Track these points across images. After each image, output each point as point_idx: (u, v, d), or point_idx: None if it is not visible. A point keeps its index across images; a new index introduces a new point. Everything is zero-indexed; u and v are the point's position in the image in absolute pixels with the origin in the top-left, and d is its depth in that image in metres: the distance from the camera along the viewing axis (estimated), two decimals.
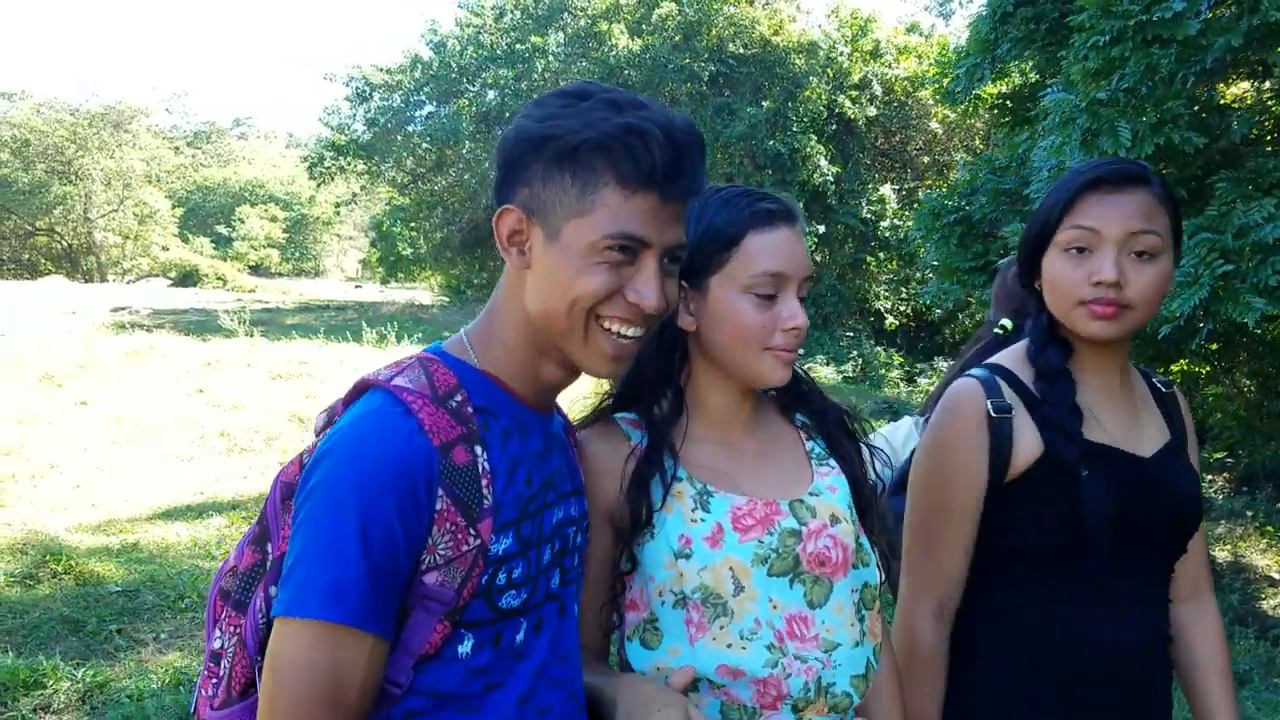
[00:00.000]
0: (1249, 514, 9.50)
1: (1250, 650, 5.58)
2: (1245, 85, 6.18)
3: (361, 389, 1.29)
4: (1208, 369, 8.87)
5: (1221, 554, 7.90)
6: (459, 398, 1.25)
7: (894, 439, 2.89)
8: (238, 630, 1.26)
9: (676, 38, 20.06)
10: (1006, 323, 2.82)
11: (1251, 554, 8.03)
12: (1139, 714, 1.77)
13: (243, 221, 44.86)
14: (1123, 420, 1.77)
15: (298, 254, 49.41)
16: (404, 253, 28.75)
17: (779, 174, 19.91)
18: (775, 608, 1.49)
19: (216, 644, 1.29)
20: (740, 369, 1.53)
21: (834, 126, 20.74)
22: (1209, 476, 11.03)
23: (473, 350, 1.33)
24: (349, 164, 24.91)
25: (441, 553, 1.19)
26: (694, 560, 1.48)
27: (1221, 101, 5.22)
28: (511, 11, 22.16)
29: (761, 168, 19.95)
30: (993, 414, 1.70)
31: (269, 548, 1.29)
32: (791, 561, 1.50)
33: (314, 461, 1.21)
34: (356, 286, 39.93)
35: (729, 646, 1.46)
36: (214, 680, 1.27)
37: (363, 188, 27.32)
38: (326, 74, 26.16)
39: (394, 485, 1.15)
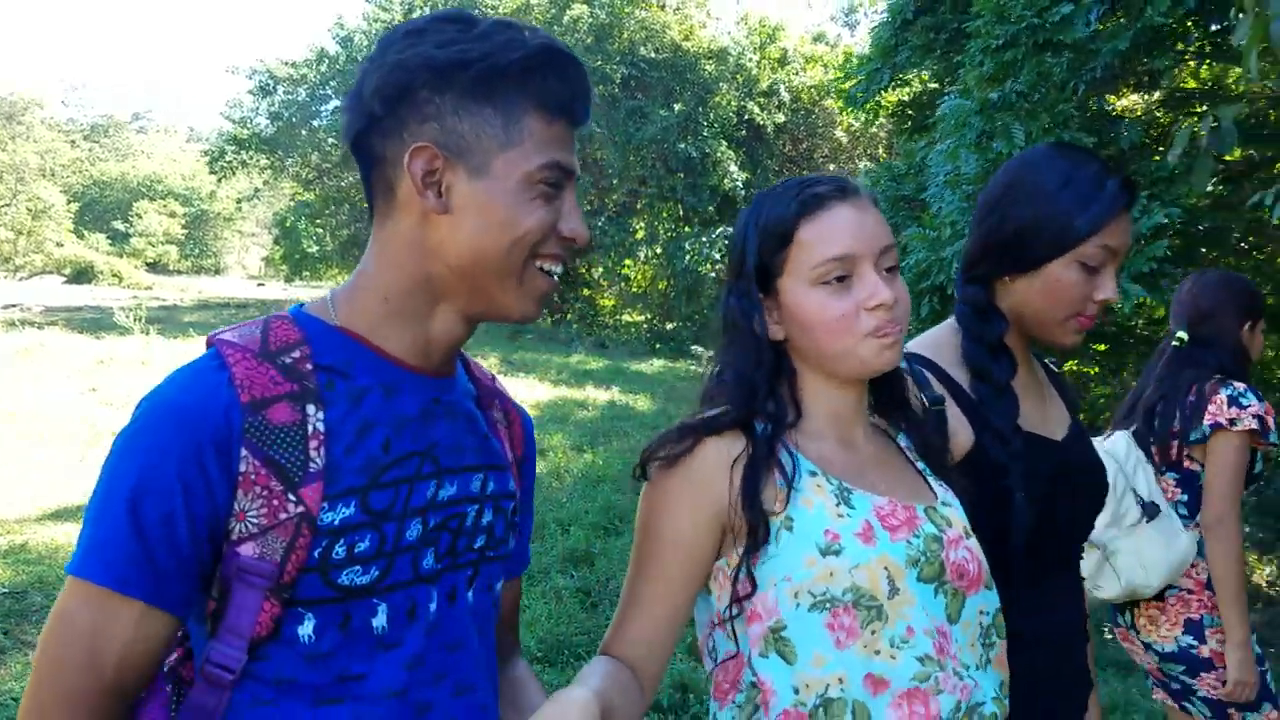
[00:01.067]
0: None
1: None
2: (1135, 97, 6.46)
3: (208, 343, 1.17)
4: (1096, 369, 9.19)
5: None
6: (296, 354, 1.13)
7: (1117, 455, 2.73)
8: None
9: (588, 40, 20.07)
10: (1183, 334, 2.88)
11: None
12: (1076, 690, 1.77)
13: (140, 217, 43.55)
14: (1037, 406, 1.78)
15: (197, 251, 48.07)
16: (309, 250, 28.19)
17: (690, 177, 20.09)
18: (929, 615, 1.34)
19: None
20: (842, 365, 1.41)
21: (744, 132, 21.00)
22: None
23: (334, 308, 1.20)
24: (251, 158, 24.36)
25: (254, 520, 1.07)
26: (845, 557, 1.31)
27: (1112, 112, 5.45)
28: (421, 8, 21.93)
29: (673, 170, 20.11)
30: (928, 406, 1.65)
31: None
32: (938, 567, 1.36)
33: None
34: (259, 285, 38.98)
35: (878, 654, 1.30)
36: None
37: (266, 183, 26.78)
38: (229, 67, 25.53)
39: (176, 443, 1.05)
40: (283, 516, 1.07)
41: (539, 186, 1.15)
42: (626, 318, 23.36)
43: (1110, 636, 3.05)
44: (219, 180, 26.88)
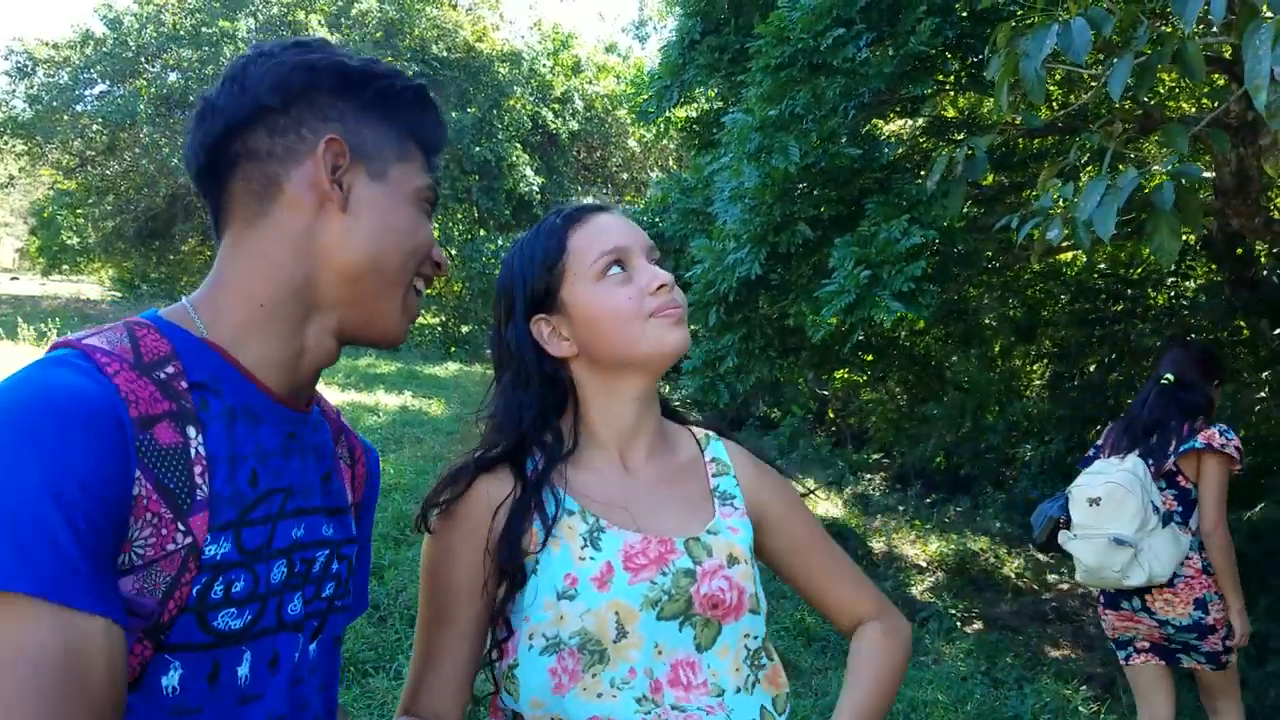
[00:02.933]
0: (901, 509, 10.41)
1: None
2: (900, 123, 6.89)
3: (53, 348, 1.02)
4: (865, 377, 9.74)
5: (878, 545, 8.64)
6: (170, 369, 1.01)
7: (1138, 473, 3.55)
8: None
9: (378, 35, 19.62)
10: (1170, 376, 3.77)
11: (903, 545, 8.81)
12: None
13: None
14: None
15: None
16: (69, 242, 26.20)
17: (486, 180, 19.96)
18: (660, 653, 1.35)
19: None
20: (634, 352, 1.43)
21: (538, 138, 21.06)
22: (867, 475, 12.07)
23: (198, 317, 1.08)
24: (6, 144, 22.40)
25: (140, 551, 0.93)
26: (578, 602, 1.33)
27: (879, 135, 5.79)
28: None
29: (468, 173, 19.92)
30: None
31: None
32: (684, 604, 1.37)
33: None
34: (13, 278, 35.95)
35: (599, 696, 1.31)
36: None
37: (22, 169, 24.68)
38: None
39: (82, 440, 0.88)
40: (170, 548, 0.95)
41: (423, 204, 1.17)
42: (420, 320, 22.95)
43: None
44: None
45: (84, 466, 0.88)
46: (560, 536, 1.39)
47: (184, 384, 1.01)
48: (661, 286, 1.42)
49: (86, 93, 21.38)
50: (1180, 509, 3.65)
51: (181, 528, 0.96)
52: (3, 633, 0.83)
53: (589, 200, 1.56)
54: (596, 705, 1.32)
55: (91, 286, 29.70)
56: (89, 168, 22.47)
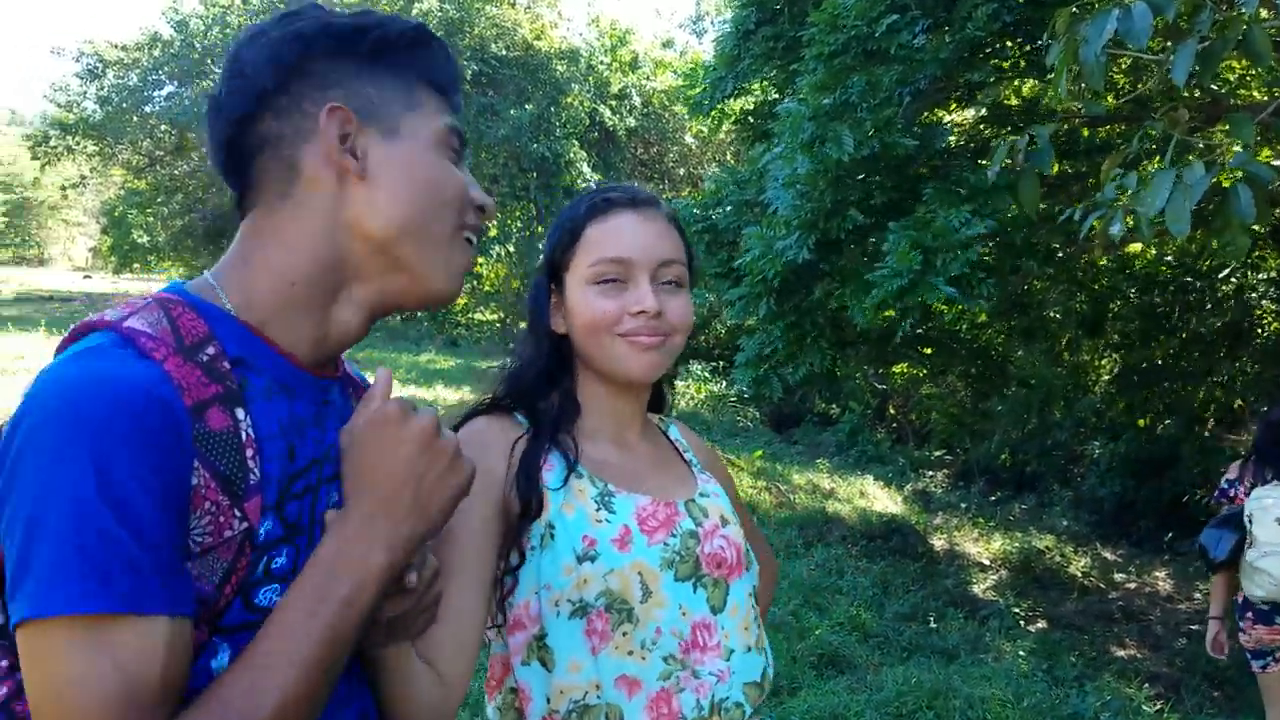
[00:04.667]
0: (963, 506, 10.29)
1: (960, 629, 6.09)
2: (961, 114, 6.79)
3: (81, 332, 0.97)
4: (925, 372, 9.62)
5: (939, 543, 8.54)
6: (211, 350, 0.98)
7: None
8: None
9: (438, 34, 19.74)
10: None
11: (965, 543, 8.70)
12: None
13: None
14: None
15: (19, 240, 45.43)
16: (139, 241, 26.90)
17: (543, 177, 20.05)
18: (685, 615, 1.38)
19: None
20: (600, 362, 1.47)
21: (596, 134, 21.08)
22: (928, 472, 11.93)
23: (223, 293, 1.05)
24: (78, 144, 23.01)
25: (198, 539, 0.91)
26: (599, 563, 1.35)
27: (937, 123, 5.70)
28: None
29: (526, 170, 20.03)
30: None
31: None
32: (693, 564, 1.41)
33: (13, 419, 0.89)
34: (86, 277, 37.04)
35: (629, 654, 1.34)
36: None
37: (94, 170, 25.30)
38: (55, 48, 24.08)
39: (136, 437, 0.85)
40: (227, 534, 0.94)
41: (447, 149, 1.13)
42: (479, 316, 23.15)
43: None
44: (43, 166, 25.29)
45: (143, 466, 0.85)
46: (573, 500, 1.40)
47: (225, 364, 0.98)
48: (641, 312, 1.43)
49: (155, 94, 21.86)
50: None
51: (238, 514, 0.95)
52: (78, 653, 0.81)
53: (636, 186, 1.54)
54: (626, 663, 1.34)
55: (161, 284, 30.14)
56: (158, 167, 22.98)
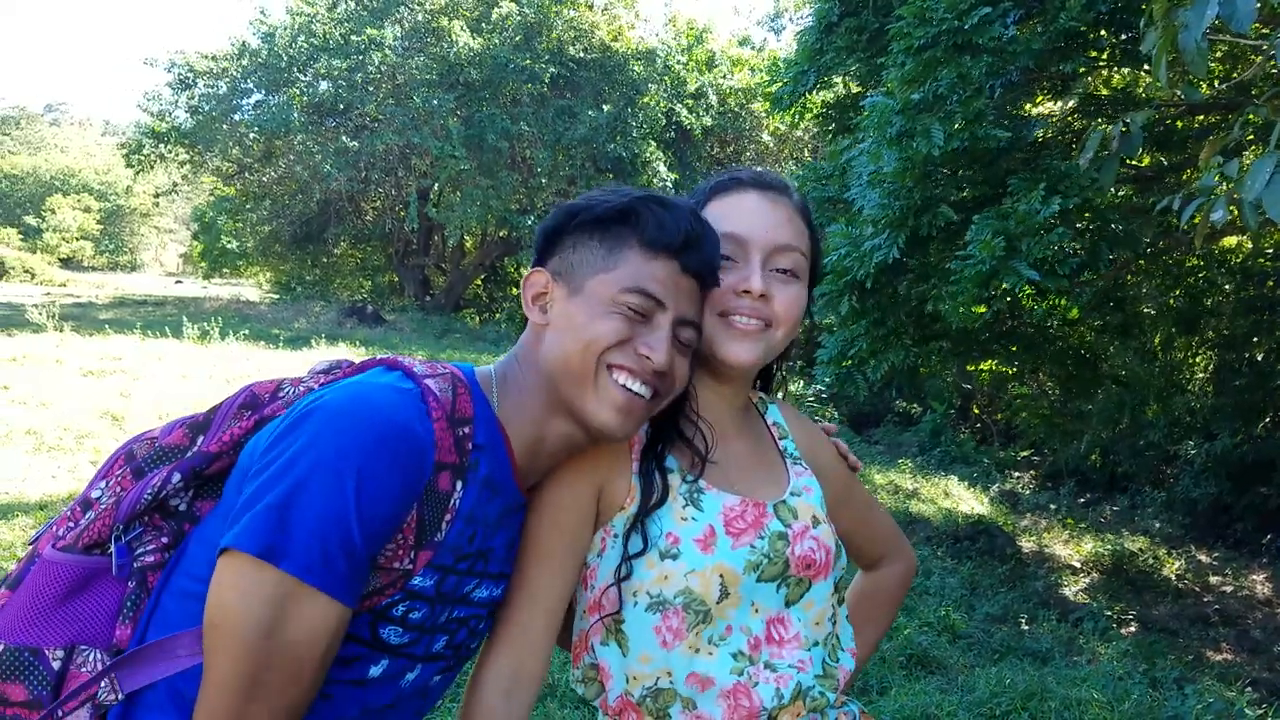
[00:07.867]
0: (1052, 508, 10.07)
1: (1052, 631, 5.97)
2: (1051, 105, 6.65)
3: (390, 365, 1.30)
4: (1013, 370, 9.43)
5: (1028, 545, 8.38)
6: (467, 429, 1.25)
7: None
8: (121, 492, 1.25)
9: (517, 38, 19.99)
10: None
11: (1055, 545, 8.52)
12: None
13: (54, 212, 42.36)
14: None
15: (113, 247, 46.88)
16: (229, 246, 27.64)
17: (620, 178, 20.14)
18: (757, 611, 1.38)
19: (95, 494, 1.29)
20: (707, 344, 1.44)
21: (672, 134, 21.12)
22: (1015, 473, 11.70)
23: (494, 392, 1.35)
24: (170, 152, 23.78)
25: (377, 555, 1.18)
26: (680, 561, 1.34)
27: (1028, 115, 5.60)
28: (345, 2, 21.62)
29: (603, 170, 20.15)
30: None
31: (200, 440, 1.31)
32: (781, 566, 1.39)
33: (310, 405, 1.16)
34: (177, 282, 38.19)
35: (697, 652, 1.35)
36: (70, 525, 1.25)
37: (184, 177, 26.12)
38: (147, 59, 24.91)
39: (402, 464, 1.14)
40: (395, 566, 1.19)
41: (622, 306, 1.29)
42: None
43: None
44: (136, 174, 26.26)
45: (390, 498, 1.13)
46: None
47: (470, 445, 1.25)
48: (746, 292, 1.43)
49: (243, 102, 22.49)
50: None
51: (411, 556, 1.19)
52: (306, 616, 1.08)
53: (770, 171, 1.51)
54: (696, 660, 1.35)
55: (250, 289, 31.17)
56: (246, 174, 23.60)
